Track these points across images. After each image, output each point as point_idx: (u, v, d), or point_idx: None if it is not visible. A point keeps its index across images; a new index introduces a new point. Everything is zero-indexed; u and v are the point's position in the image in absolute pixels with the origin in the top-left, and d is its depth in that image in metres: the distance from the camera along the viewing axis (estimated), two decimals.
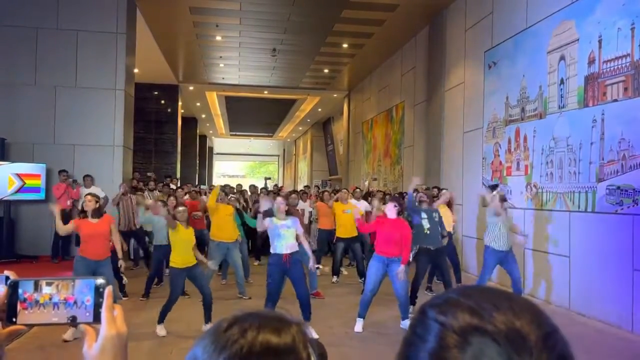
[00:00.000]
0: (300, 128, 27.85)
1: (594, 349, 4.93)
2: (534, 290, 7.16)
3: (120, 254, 5.52)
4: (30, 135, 9.32)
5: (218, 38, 12.66)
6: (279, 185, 18.20)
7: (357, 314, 5.57)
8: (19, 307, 0.81)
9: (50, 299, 0.81)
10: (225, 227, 7.05)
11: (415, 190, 6.51)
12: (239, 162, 44.21)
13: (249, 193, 11.94)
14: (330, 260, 8.73)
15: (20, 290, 0.81)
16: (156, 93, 17.41)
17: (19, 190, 8.96)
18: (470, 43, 9.33)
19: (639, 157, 5.51)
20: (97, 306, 0.81)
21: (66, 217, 8.38)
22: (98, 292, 0.82)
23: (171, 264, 5.41)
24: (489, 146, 8.56)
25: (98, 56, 9.57)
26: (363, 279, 7.21)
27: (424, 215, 6.27)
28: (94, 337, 0.78)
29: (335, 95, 19.11)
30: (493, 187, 6.44)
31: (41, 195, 9.08)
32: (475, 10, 9.16)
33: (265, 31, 12.07)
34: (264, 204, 5.86)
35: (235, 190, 11.15)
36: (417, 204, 6.38)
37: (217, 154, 37.25)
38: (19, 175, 8.96)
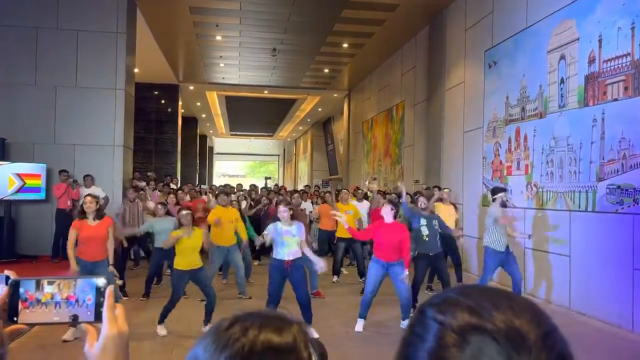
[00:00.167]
0: (301, 128, 27.84)
1: (594, 349, 4.93)
2: (535, 290, 7.16)
3: (111, 260, 5.39)
4: (30, 135, 9.32)
5: (218, 38, 12.66)
6: (279, 185, 18.19)
7: (358, 314, 5.57)
8: (20, 306, 0.81)
9: (52, 297, 0.81)
10: (224, 233, 6.99)
11: (418, 192, 6.50)
12: (239, 162, 44.22)
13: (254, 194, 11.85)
14: (331, 260, 8.73)
15: (22, 290, 0.81)
16: (156, 93, 17.40)
17: (19, 190, 8.96)
18: (471, 42, 9.33)
19: (639, 156, 5.51)
20: (99, 305, 0.81)
21: (66, 217, 8.42)
22: (99, 292, 0.82)
23: (175, 266, 5.38)
24: (489, 146, 8.56)
25: (98, 56, 9.57)
26: (363, 278, 7.21)
27: (423, 221, 6.27)
28: (96, 337, 0.79)
29: (335, 95, 19.11)
30: (495, 192, 6.36)
31: (41, 195, 9.08)
32: (475, 10, 9.16)
33: (266, 31, 12.07)
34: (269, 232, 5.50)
35: (241, 189, 11.07)
36: (416, 208, 6.40)
37: (218, 153, 37.26)
38: (19, 175, 8.96)
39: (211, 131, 28.50)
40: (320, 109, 22.20)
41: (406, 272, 5.37)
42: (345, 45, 13.14)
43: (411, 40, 12.52)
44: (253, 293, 7.03)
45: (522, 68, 7.64)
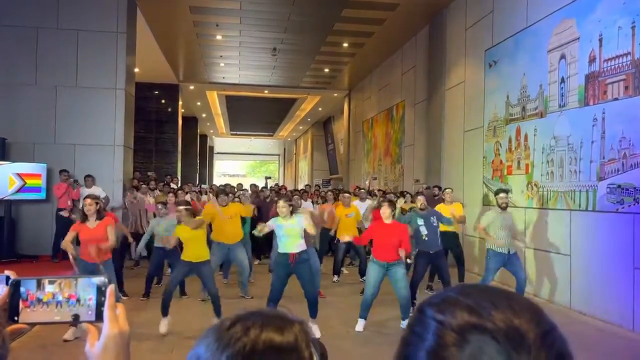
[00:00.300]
0: (301, 127, 27.84)
1: (594, 348, 4.93)
2: (535, 289, 7.16)
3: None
4: (30, 135, 9.32)
5: (218, 37, 12.66)
6: (279, 184, 18.20)
7: (359, 314, 5.57)
8: (21, 305, 0.81)
9: (53, 297, 0.82)
10: (225, 230, 6.93)
11: (419, 192, 6.52)
12: (240, 162, 44.23)
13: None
14: (331, 260, 8.73)
15: (22, 289, 0.81)
16: (157, 92, 17.40)
17: (19, 190, 8.96)
18: (471, 42, 9.32)
19: (639, 155, 5.51)
20: (100, 305, 0.81)
21: (67, 217, 8.43)
22: (100, 291, 0.82)
23: (182, 257, 5.43)
24: (489, 145, 8.56)
25: (98, 56, 9.56)
26: (364, 277, 7.20)
27: (420, 221, 6.28)
28: (97, 336, 0.79)
29: (335, 94, 19.10)
30: (497, 192, 6.36)
31: (42, 195, 9.09)
32: (475, 9, 9.15)
33: (266, 30, 12.07)
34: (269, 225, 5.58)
35: (241, 189, 11.05)
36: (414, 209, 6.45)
37: (218, 153, 37.26)
38: (19, 175, 8.96)
39: (211, 131, 28.51)
40: (320, 109, 22.20)
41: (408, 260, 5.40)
42: (345, 44, 13.13)
43: (411, 40, 12.52)
44: (254, 293, 7.02)
45: (522, 67, 7.64)
